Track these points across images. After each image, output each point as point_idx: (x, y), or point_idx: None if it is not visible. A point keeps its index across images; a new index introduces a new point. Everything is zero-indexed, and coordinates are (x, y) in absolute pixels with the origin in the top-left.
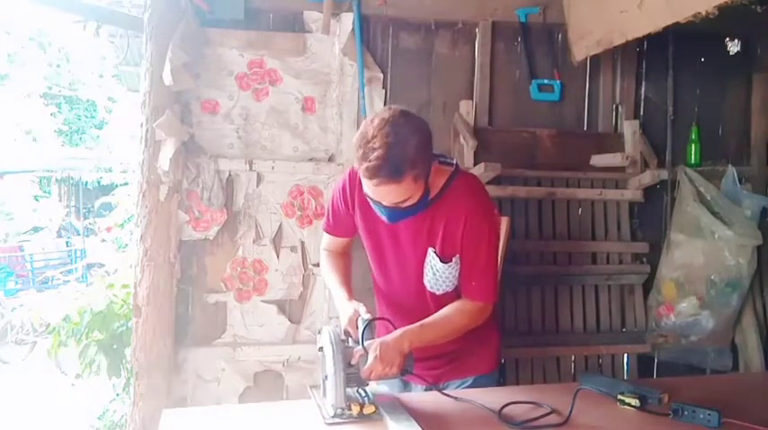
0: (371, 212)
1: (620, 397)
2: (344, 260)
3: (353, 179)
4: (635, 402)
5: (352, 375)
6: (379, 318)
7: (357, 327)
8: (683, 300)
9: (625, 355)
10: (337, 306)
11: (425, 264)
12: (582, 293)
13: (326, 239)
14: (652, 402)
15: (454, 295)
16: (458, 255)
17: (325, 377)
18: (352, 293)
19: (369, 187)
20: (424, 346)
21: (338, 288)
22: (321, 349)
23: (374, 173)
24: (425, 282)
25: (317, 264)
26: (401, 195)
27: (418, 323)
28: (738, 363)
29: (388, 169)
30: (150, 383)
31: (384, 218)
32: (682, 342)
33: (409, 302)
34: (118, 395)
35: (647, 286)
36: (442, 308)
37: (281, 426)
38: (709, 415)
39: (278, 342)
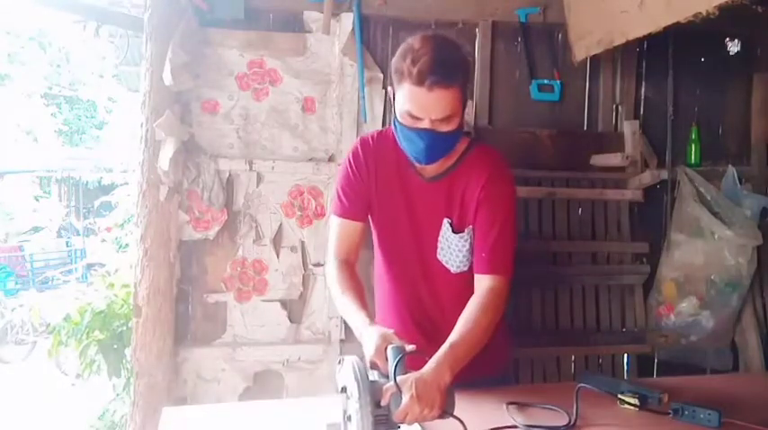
0: (389, 178)
1: (620, 396)
2: (355, 278)
3: (366, 145)
4: (635, 402)
5: (381, 417)
6: (413, 352)
7: (386, 359)
8: (683, 300)
9: (625, 355)
10: (358, 333)
11: (439, 236)
12: (582, 293)
13: (335, 236)
14: (652, 402)
15: (470, 276)
16: (470, 226)
17: (348, 417)
18: (370, 317)
19: (415, 98)
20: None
21: (355, 312)
22: (344, 390)
23: (426, 74)
24: (440, 256)
25: (317, 264)
26: (447, 106)
27: (446, 344)
28: (738, 363)
29: (440, 69)
30: (150, 383)
31: (421, 145)
32: (682, 342)
33: (422, 282)
34: (118, 395)
35: (647, 286)
36: (455, 290)
37: (281, 426)
38: (709, 415)
39: (278, 342)
